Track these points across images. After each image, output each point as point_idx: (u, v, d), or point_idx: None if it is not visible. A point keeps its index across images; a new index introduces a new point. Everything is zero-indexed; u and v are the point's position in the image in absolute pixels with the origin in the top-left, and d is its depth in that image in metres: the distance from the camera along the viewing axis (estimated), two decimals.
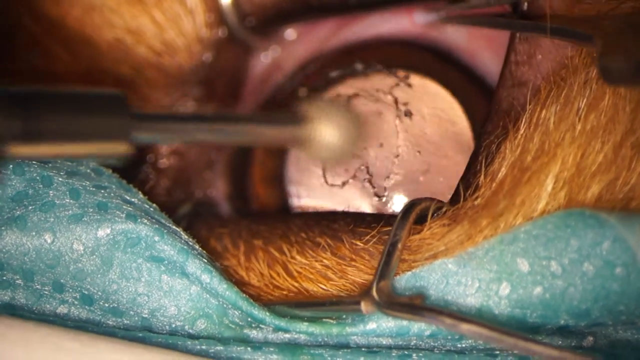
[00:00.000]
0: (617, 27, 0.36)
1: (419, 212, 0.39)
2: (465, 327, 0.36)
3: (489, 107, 0.41)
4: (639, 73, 0.32)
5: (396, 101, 0.44)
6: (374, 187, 0.44)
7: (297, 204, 0.45)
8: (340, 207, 0.44)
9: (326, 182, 0.44)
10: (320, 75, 0.46)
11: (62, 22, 0.44)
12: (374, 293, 0.38)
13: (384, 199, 0.44)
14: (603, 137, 0.37)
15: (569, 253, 0.37)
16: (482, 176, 0.39)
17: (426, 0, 0.43)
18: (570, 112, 0.37)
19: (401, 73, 0.45)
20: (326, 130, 0.41)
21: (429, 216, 0.39)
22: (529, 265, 0.37)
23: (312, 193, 0.45)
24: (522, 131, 0.38)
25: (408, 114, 0.44)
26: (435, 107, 0.44)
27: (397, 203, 0.44)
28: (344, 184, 0.44)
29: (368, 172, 0.44)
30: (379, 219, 0.41)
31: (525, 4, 0.39)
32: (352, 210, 0.44)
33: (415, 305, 0.37)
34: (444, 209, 0.39)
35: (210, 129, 0.39)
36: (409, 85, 0.44)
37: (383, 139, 0.44)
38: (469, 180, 0.39)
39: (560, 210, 0.37)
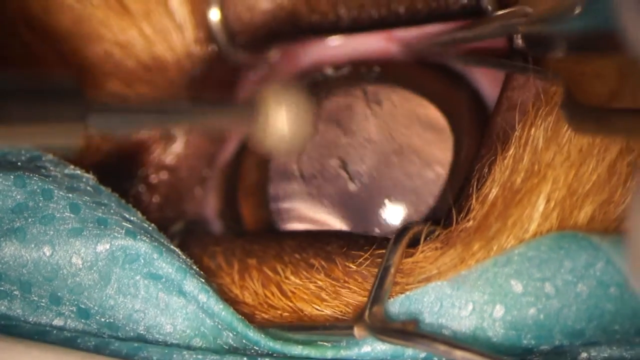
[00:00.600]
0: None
1: (412, 236, 0.40)
2: (459, 354, 0.36)
3: (483, 132, 0.41)
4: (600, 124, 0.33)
5: (365, 92, 0.45)
6: (348, 173, 0.44)
7: (280, 211, 0.45)
8: (318, 202, 0.44)
9: (302, 176, 0.45)
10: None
11: (53, 32, 0.44)
12: (367, 318, 0.38)
13: (360, 184, 0.44)
14: (598, 156, 0.37)
15: (563, 274, 0.37)
16: (474, 199, 0.39)
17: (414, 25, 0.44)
18: (561, 131, 0.38)
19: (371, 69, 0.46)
20: (278, 117, 0.41)
21: (422, 240, 0.40)
22: (523, 286, 0.37)
23: (291, 195, 0.45)
24: (511, 151, 0.39)
25: (378, 102, 0.45)
26: (405, 93, 0.45)
27: (373, 187, 0.44)
28: (320, 174, 0.44)
29: (341, 160, 0.44)
30: (372, 242, 0.41)
31: (519, 39, 0.40)
32: (344, 229, 0.44)
33: (409, 331, 0.37)
34: (436, 233, 0.40)
35: (161, 118, 0.39)
36: (378, 79, 0.45)
37: (354, 126, 0.45)
38: (461, 203, 0.40)
39: (553, 232, 0.37)
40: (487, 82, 0.45)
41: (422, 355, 0.38)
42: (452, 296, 0.38)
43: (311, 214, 0.45)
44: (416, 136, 0.44)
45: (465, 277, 0.38)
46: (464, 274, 0.38)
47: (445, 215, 0.41)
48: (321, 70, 0.47)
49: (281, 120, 0.41)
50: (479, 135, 0.43)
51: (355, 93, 0.45)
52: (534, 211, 0.38)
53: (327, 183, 0.45)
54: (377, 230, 0.44)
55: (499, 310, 0.38)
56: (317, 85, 0.46)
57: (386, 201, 0.44)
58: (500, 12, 0.40)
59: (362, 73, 0.46)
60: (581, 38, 0.33)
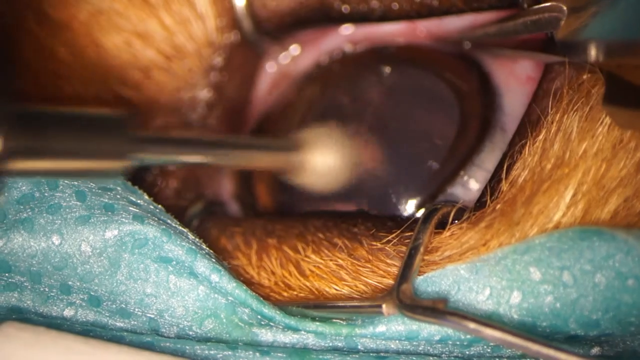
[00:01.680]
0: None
1: (441, 217, 0.39)
2: (489, 332, 0.35)
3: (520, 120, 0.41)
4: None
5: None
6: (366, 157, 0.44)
7: (295, 193, 0.45)
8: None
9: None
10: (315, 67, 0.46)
11: (68, 25, 0.42)
12: (396, 295, 0.38)
13: (379, 166, 0.43)
14: (629, 152, 0.37)
15: (582, 264, 0.37)
16: (504, 182, 0.39)
17: (450, 14, 0.42)
18: (596, 123, 0.37)
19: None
20: (320, 158, 0.41)
21: (449, 220, 0.39)
22: (541, 274, 0.37)
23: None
24: (542, 136, 0.38)
25: (387, 72, 0.44)
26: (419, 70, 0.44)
27: (392, 169, 0.43)
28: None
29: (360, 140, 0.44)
30: (400, 224, 0.41)
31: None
32: (370, 212, 0.43)
33: (439, 309, 0.37)
34: (465, 214, 0.39)
35: (205, 154, 0.40)
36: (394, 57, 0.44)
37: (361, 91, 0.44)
38: (492, 186, 0.39)
39: (577, 227, 0.37)
40: (499, 69, 0.43)
41: (437, 337, 0.38)
42: (470, 280, 0.38)
43: (326, 197, 0.44)
44: (426, 115, 0.43)
45: (484, 262, 0.38)
46: (483, 258, 0.38)
47: (478, 197, 0.41)
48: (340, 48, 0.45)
49: (322, 161, 0.40)
50: (496, 128, 0.42)
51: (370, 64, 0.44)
52: (561, 201, 0.37)
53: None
54: (401, 213, 0.43)
55: (516, 297, 0.37)
56: (335, 61, 0.45)
57: (405, 184, 0.43)
58: (534, 7, 0.38)
59: (379, 49, 0.44)
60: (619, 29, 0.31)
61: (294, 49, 0.46)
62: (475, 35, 0.42)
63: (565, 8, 0.35)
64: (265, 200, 0.45)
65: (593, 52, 0.33)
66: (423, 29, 0.44)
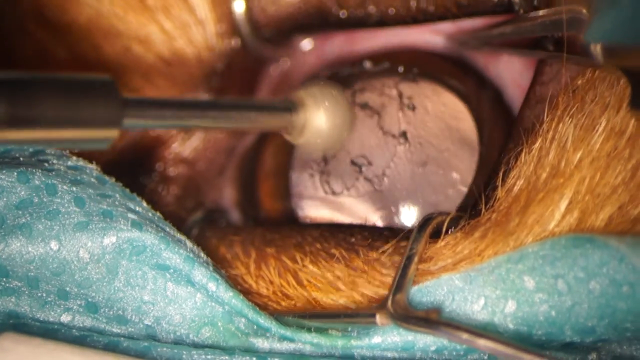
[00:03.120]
0: None
1: (435, 226, 0.39)
2: (482, 342, 0.36)
3: (511, 125, 0.41)
4: None
5: (400, 95, 0.44)
6: (370, 177, 0.44)
7: (299, 201, 0.45)
8: (339, 194, 0.44)
9: (324, 168, 0.44)
10: (330, 75, 0.46)
11: (68, 29, 0.43)
12: (390, 306, 0.38)
13: (380, 188, 0.44)
14: (624, 161, 0.37)
15: (576, 272, 0.37)
16: (500, 191, 0.39)
17: (446, 19, 0.43)
18: (590, 133, 0.37)
19: (408, 69, 0.44)
20: (318, 117, 0.40)
21: (444, 229, 0.39)
22: (535, 283, 0.37)
23: (311, 186, 0.45)
24: (537, 144, 0.38)
25: (411, 106, 0.44)
26: (439, 102, 0.44)
27: (393, 194, 0.43)
28: (341, 167, 0.44)
29: (367, 161, 0.44)
30: (396, 234, 0.41)
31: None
32: (367, 223, 0.44)
33: (432, 319, 0.37)
34: (461, 223, 0.39)
35: (202, 115, 0.39)
36: (415, 81, 0.44)
37: (385, 129, 0.44)
38: (487, 195, 0.39)
39: (570, 234, 0.37)
40: (511, 83, 0.44)
41: (433, 348, 0.38)
42: (465, 290, 0.38)
43: (330, 206, 0.44)
44: (445, 151, 0.43)
45: (478, 272, 0.38)
46: (477, 267, 0.38)
47: (472, 204, 0.41)
48: (359, 62, 0.46)
49: (320, 119, 0.40)
50: (502, 132, 0.42)
51: (391, 93, 0.44)
52: (556, 210, 0.37)
53: (349, 177, 0.44)
54: (399, 223, 0.43)
55: (510, 306, 0.37)
56: (353, 78, 0.45)
57: (408, 197, 0.43)
58: (542, 12, 0.39)
59: (398, 71, 0.45)
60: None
61: (295, 53, 0.47)
62: (491, 35, 0.42)
63: (585, 10, 0.36)
64: (268, 206, 0.45)
65: (616, 54, 0.33)
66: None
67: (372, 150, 0.44)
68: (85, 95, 0.34)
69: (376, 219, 0.44)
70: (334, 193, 0.44)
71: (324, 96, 0.41)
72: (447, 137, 0.44)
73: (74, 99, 0.34)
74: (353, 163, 0.44)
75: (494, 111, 0.44)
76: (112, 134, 0.35)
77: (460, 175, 0.43)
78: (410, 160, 0.44)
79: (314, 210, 0.44)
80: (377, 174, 0.44)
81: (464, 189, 0.43)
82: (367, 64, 0.45)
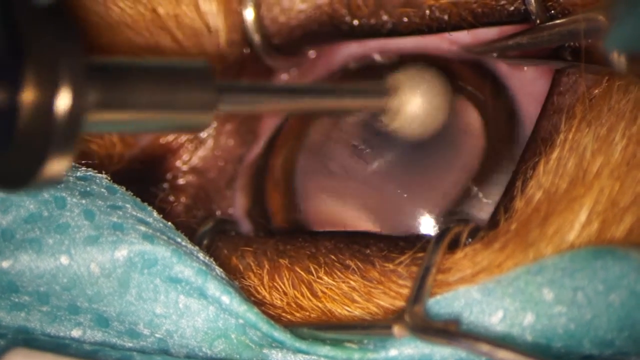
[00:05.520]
0: None
1: (454, 237, 0.39)
2: (502, 354, 0.35)
3: (523, 135, 0.40)
4: None
5: None
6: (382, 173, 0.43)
7: (309, 210, 0.44)
8: (349, 202, 0.43)
9: (333, 173, 0.44)
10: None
11: None
12: (407, 317, 0.37)
13: (393, 185, 0.43)
14: None
15: (595, 284, 0.36)
16: (519, 200, 0.38)
17: (461, 29, 0.42)
18: (609, 142, 0.37)
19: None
20: (413, 102, 0.40)
21: (462, 240, 0.39)
22: (555, 295, 0.36)
23: (322, 194, 0.44)
24: (555, 154, 0.38)
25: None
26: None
27: (407, 188, 0.43)
28: (353, 172, 0.44)
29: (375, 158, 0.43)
30: (412, 244, 0.40)
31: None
32: (382, 232, 0.43)
33: (451, 330, 0.36)
34: (480, 234, 0.39)
35: (297, 100, 0.40)
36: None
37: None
38: (505, 205, 0.39)
39: (591, 247, 0.37)
40: (525, 96, 0.43)
41: None
42: (482, 302, 0.37)
43: (342, 214, 0.43)
44: (451, 139, 0.43)
45: (497, 284, 0.37)
46: (495, 279, 0.37)
47: (491, 215, 0.40)
48: (370, 56, 0.45)
49: (416, 104, 0.40)
50: (511, 143, 0.42)
51: None
52: (576, 222, 0.37)
53: (360, 183, 0.43)
54: (415, 232, 0.42)
55: (529, 319, 0.37)
56: (362, 71, 0.45)
57: (421, 204, 0.43)
58: (559, 21, 0.38)
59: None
60: None
61: (306, 61, 0.46)
62: (507, 45, 0.41)
63: (603, 18, 0.35)
64: (278, 215, 0.45)
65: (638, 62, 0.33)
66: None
67: (379, 148, 0.44)
68: (182, 79, 0.35)
69: (390, 227, 0.43)
70: (345, 201, 0.44)
71: (420, 80, 0.41)
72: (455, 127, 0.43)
73: (171, 83, 0.34)
74: (361, 165, 0.44)
75: (507, 121, 0.43)
76: (208, 118, 0.36)
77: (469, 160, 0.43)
78: (419, 153, 0.43)
79: (324, 219, 0.44)
80: (387, 170, 0.43)
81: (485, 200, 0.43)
82: (377, 57, 0.45)
